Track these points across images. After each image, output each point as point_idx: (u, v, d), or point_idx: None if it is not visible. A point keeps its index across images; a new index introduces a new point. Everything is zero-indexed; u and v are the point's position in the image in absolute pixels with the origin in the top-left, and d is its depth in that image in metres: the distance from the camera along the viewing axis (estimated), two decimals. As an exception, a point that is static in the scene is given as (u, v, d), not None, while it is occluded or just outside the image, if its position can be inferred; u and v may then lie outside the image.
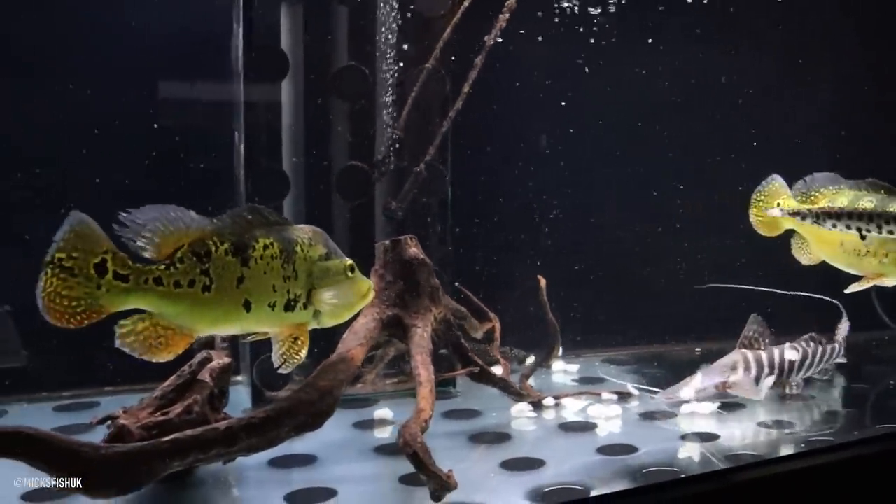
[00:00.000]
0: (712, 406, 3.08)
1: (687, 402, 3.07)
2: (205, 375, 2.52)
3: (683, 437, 2.83)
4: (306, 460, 2.63)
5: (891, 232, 2.60)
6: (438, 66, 3.31)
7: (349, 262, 2.32)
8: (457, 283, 3.37)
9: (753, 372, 3.12)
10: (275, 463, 2.58)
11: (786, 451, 2.73)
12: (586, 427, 2.93)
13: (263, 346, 2.49)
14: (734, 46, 4.19)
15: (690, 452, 2.71)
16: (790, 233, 3.03)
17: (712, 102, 4.15)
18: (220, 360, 2.67)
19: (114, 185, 3.35)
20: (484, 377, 2.95)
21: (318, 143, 3.33)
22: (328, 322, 2.33)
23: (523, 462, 2.59)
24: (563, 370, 3.71)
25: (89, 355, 3.34)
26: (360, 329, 2.67)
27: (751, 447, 2.75)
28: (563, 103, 3.96)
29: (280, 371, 2.27)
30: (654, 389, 3.25)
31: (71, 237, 1.92)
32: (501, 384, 3.03)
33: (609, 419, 2.99)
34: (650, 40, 4.08)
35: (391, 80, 3.34)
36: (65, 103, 3.30)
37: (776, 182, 2.96)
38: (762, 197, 2.95)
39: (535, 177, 4.00)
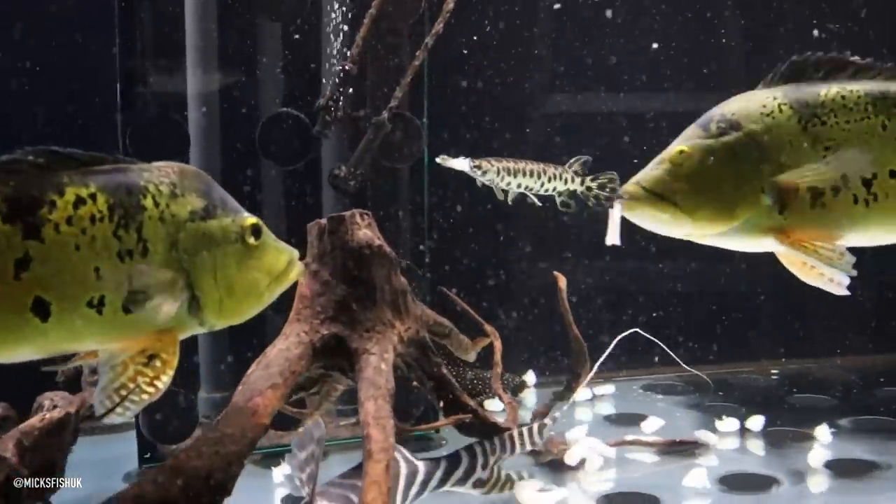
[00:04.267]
0: None
1: None
2: (7, 447, 1.49)
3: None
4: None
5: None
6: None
7: (251, 220, 1.42)
8: (440, 288, 2.35)
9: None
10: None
11: None
12: None
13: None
14: None
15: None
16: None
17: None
18: (48, 412, 1.66)
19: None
20: (481, 428, 1.90)
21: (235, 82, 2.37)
22: (219, 323, 1.40)
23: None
24: (589, 401, 2.85)
25: None
26: (276, 360, 1.67)
27: None
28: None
29: (113, 419, 1.27)
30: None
31: None
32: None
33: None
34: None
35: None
36: None
37: None
38: None
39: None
